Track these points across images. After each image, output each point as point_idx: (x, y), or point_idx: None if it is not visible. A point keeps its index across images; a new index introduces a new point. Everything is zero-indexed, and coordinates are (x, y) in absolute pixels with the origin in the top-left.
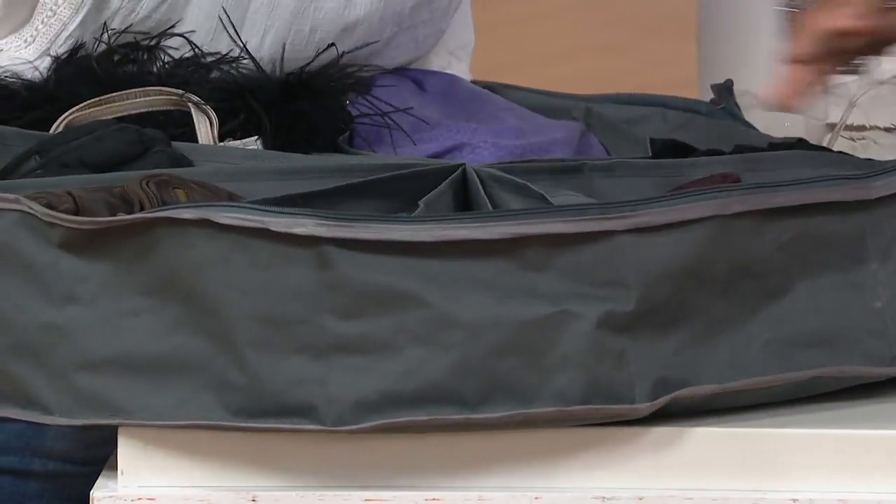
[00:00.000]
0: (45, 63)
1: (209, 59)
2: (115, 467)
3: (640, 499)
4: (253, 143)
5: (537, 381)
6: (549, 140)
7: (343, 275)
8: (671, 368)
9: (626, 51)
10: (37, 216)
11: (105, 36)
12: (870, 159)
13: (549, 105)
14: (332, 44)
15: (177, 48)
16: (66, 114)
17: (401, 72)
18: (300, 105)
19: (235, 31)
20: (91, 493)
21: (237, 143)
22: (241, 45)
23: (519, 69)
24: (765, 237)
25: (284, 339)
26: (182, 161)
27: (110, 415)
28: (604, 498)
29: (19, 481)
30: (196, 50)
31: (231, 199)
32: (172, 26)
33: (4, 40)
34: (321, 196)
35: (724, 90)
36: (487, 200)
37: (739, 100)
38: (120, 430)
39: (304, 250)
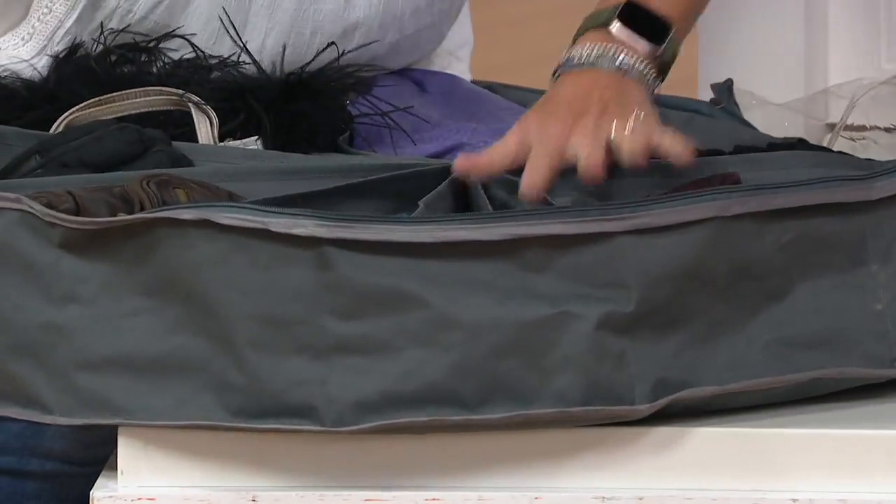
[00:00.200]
0: (42, 62)
1: (210, 61)
2: (115, 467)
3: (640, 499)
4: (253, 143)
5: (537, 382)
6: None
7: (343, 275)
8: (671, 370)
9: None
10: (37, 216)
11: (102, 36)
12: (870, 159)
13: None
14: (333, 43)
15: (176, 49)
16: (67, 113)
17: (401, 72)
18: (300, 105)
19: (236, 31)
20: (91, 493)
21: (237, 143)
22: (242, 45)
23: (519, 69)
24: (765, 238)
25: (284, 339)
26: (182, 161)
27: (110, 415)
28: (604, 498)
29: (17, 481)
30: (198, 52)
31: (231, 199)
32: (173, 31)
33: (1, 39)
34: (320, 196)
35: (724, 90)
36: (487, 201)
37: (739, 100)
38: (120, 430)
39: (304, 251)
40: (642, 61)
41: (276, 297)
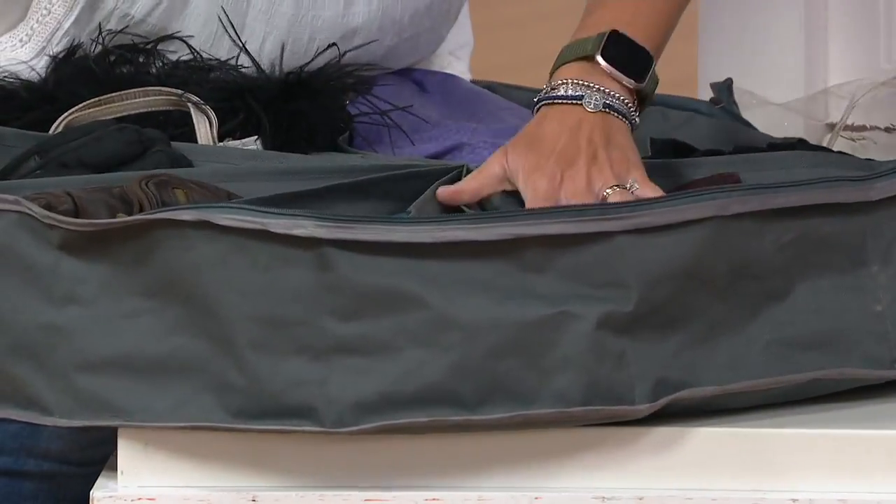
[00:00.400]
0: (41, 63)
1: (208, 63)
2: (114, 467)
3: (640, 499)
4: (252, 142)
5: (537, 383)
6: None
7: (342, 276)
8: (671, 369)
9: None
10: (36, 218)
11: (101, 37)
12: (870, 159)
13: None
14: (333, 44)
15: (174, 51)
16: (66, 114)
17: (401, 72)
18: (299, 105)
19: (235, 32)
20: (91, 493)
21: (236, 143)
22: (241, 45)
23: (518, 69)
24: (765, 238)
25: (284, 340)
26: (181, 161)
27: (110, 416)
28: (604, 498)
29: (14, 482)
30: (195, 54)
31: (230, 199)
32: (171, 33)
33: None
34: (316, 195)
35: (724, 90)
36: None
37: (739, 100)
38: (120, 430)
39: (303, 251)
40: (626, 99)
41: (275, 297)
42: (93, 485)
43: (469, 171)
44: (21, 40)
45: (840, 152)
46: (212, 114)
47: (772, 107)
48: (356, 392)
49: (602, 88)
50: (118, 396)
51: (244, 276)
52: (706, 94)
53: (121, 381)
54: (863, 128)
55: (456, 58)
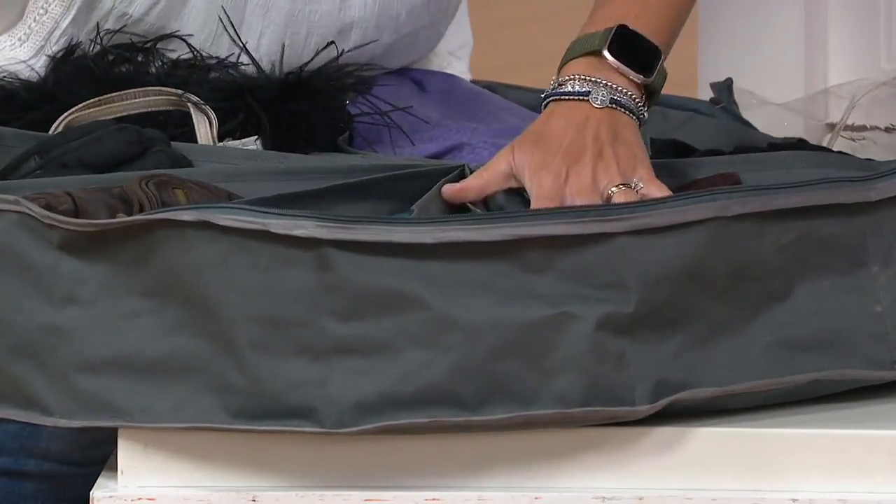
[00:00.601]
0: (40, 62)
1: (209, 62)
2: (114, 467)
3: (641, 499)
4: (252, 142)
5: (537, 383)
6: None
7: (343, 276)
8: (671, 370)
9: None
10: (36, 218)
11: (99, 37)
12: (870, 159)
13: None
14: (332, 42)
15: (173, 50)
16: (66, 114)
17: (401, 72)
18: (299, 105)
19: (235, 31)
20: (91, 493)
21: (236, 142)
22: (242, 44)
23: (518, 69)
24: (765, 239)
25: (284, 340)
26: (181, 161)
27: (110, 416)
28: (604, 498)
29: (14, 482)
30: (195, 53)
31: (230, 199)
32: (170, 32)
33: None
34: (316, 195)
35: (724, 90)
36: (481, 204)
37: (739, 100)
38: (120, 430)
39: (304, 252)
40: (633, 95)
41: (276, 298)
42: (93, 485)
43: (470, 171)
44: (20, 39)
45: (840, 152)
46: (212, 114)
47: (772, 107)
48: (356, 393)
49: (609, 84)
50: (118, 397)
51: (244, 277)
52: (706, 94)
53: (121, 381)
54: (863, 128)
55: (456, 58)
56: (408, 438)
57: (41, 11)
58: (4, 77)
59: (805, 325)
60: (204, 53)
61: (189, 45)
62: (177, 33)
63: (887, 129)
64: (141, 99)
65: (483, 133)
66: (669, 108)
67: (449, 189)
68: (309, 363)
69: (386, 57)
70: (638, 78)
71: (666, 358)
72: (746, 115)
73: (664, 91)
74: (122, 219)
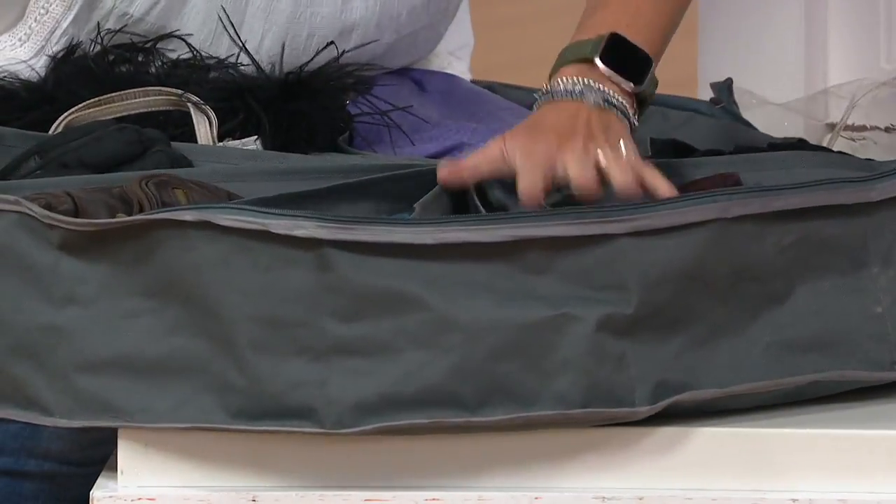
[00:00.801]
0: (41, 62)
1: (208, 61)
2: (114, 467)
3: (641, 499)
4: (252, 142)
5: (537, 385)
6: None
7: (343, 277)
8: (672, 372)
9: None
10: (36, 218)
11: (99, 37)
12: (870, 159)
13: None
14: (332, 43)
15: (173, 50)
16: (66, 114)
17: (401, 72)
18: (299, 105)
19: (235, 30)
20: (91, 493)
21: (236, 142)
22: (241, 44)
23: (518, 69)
24: (766, 240)
25: (284, 341)
26: (181, 161)
27: (110, 416)
28: (604, 498)
29: (15, 482)
30: (195, 53)
31: (230, 199)
32: (170, 32)
33: None
34: (316, 196)
35: (724, 90)
36: (480, 204)
37: (739, 100)
38: (120, 430)
39: (304, 252)
40: (625, 102)
41: (276, 298)
42: (93, 485)
43: None
44: (20, 39)
45: (840, 152)
46: (212, 114)
47: (772, 107)
48: (356, 393)
49: (601, 88)
50: (118, 397)
51: (245, 277)
52: (706, 94)
53: (121, 381)
54: (863, 128)
55: (456, 58)
56: (408, 438)
57: (42, 11)
58: (5, 77)
59: (805, 326)
60: (204, 53)
61: (189, 45)
62: (177, 33)
63: (887, 129)
64: (141, 99)
65: (483, 133)
66: (669, 108)
67: (443, 168)
68: (309, 363)
69: (386, 57)
70: (629, 87)
71: (666, 359)
72: (746, 115)
73: (664, 91)
74: (122, 219)
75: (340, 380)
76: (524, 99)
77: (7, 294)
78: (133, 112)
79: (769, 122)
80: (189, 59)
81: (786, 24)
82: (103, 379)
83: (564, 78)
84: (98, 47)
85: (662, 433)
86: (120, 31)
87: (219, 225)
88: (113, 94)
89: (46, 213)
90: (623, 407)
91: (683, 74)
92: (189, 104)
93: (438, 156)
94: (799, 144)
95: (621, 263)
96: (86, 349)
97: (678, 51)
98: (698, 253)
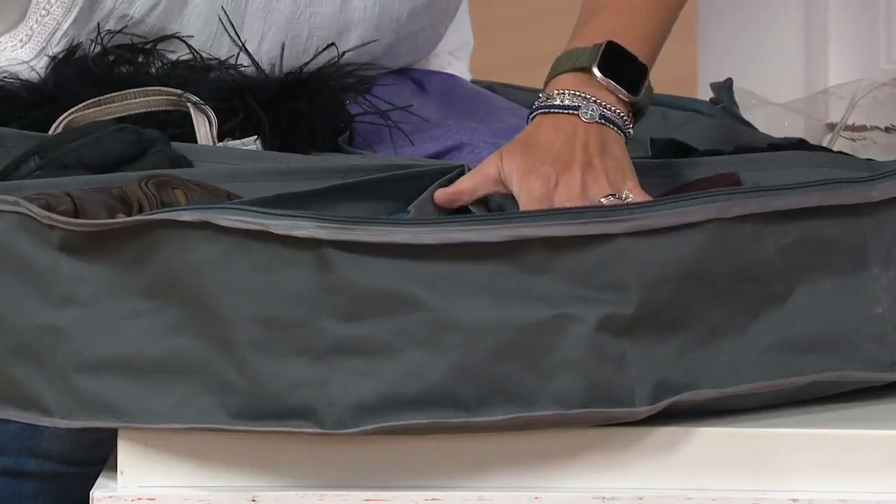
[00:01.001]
0: (42, 63)
1: (208, 62)
2: (114, 467)
3: (640, 499)
4: (252, 143)
5: (537, 385)
6: None
7: (343, 277)
8: (671, 372)
9: None
10: (36, 218)
11: (100, 37)
12: (870, 159)
13: None
14: (332, 43)
15: (174, 51)
16: (66, 114)
17: (401, 72)
18: (299, 105)
19: (235, 31)
20: (91, 492)
21: (236, 143)
22: (241, 44)
23: (518, 69)
24: (765, 241)
25: (284, 341)
26: (181, 161)
27: (110, 417)
28: (604, 498)
29: (15, 482)
30: (195, 54)
31: (230, 199)
32: (171, 34)
33: None
34: (316, 196)
35: (724, 90)
36: (477, 206)
37: (739, 100)
38: (120, 430)
39: (304, 252)
40: (621, 112)
41: (276, 298)
42: (93, 485)
43: (469, 171)
44: (21, 40)
45: (840, 152)
46: (211, 114)
47: (772, 107)
48: (356, 393)
49: (598, 100)
50: (118, 397)
51: (245, 277)
52: (706, 94)
53: (121, 381)
54: (863, 128)
55: (456, 58)
56: (408, 438)
57: (43, 13)
58: (5, 78)
59: (805, 326)
60: (204, 54)
61: (189, 45)
62: (177, 34)
63: (887, 129)
64: (141, 99)
65: (483, 133)
66: (669, 108)
67: (441, 195)
68: (309, 364)
69: (386, 57)
70: (626, 96)
71: (666, 359)
72: (746, 115)
73: (664, 91)
74: (122, 219)
75: (340, 380)
76: (524, 99)
77: (7, 294)
78: (133, 112)
79: (769, 122)
80: (189, 59)
81: (786, 24)
82: (103, 379)
83: (561, 90)
84: (98, 48)
85: (662, 433)
86: (120, 31)
87: (218, 225)
88: (113, 95)
89: (46, 213)
90: (623, 407)
91: (683, 74)
92: (189, 104)
93: (438, 156)
94: (799, 144)
95: (621, 263)
96: (86, 349)
97: (678, 51)
98: (698, 253)
